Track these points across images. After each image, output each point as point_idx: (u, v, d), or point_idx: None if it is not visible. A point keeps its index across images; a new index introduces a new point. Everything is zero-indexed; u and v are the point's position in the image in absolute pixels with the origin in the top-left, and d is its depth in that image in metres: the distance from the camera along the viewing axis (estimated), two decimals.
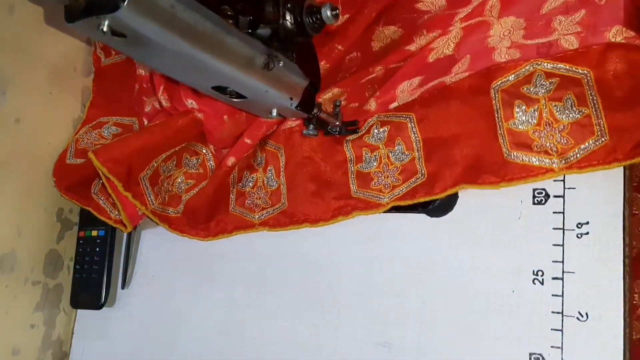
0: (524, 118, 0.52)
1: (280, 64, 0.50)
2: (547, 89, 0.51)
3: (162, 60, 0.47)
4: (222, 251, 0.71)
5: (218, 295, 0.70)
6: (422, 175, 0.57)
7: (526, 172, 0.52)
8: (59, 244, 0.80)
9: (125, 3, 0.36)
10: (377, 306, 0.60)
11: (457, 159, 0.55)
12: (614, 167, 0.48)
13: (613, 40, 0.48)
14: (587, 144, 0.49)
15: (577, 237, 0.51)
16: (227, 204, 0.69)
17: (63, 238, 0.80)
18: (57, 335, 0.80)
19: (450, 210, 0.57)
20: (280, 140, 0.67)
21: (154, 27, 0.39)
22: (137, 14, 0.37)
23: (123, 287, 0.77)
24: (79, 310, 0.82)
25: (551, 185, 0.53)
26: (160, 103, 0.69)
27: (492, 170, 0.53)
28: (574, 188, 0.51)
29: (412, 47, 0.59)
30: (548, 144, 0.51)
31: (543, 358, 0.50)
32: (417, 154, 0.58)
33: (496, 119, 0.53)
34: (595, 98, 0.49)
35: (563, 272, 0.51)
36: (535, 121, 0.51)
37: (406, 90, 0.58)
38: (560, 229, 0.51)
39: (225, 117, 0.64)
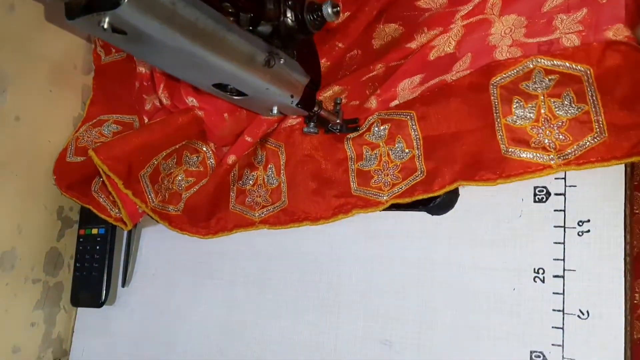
0: (522, 114, 0.52)
1: (281, 62, 0.50)
2: (546, 85, 0.51)
3: (162, 57, 0.47)
4: (222, 249, 0.71)
5: (218, 294, 0.70)
6: (421, 173, 0.57)
7: (523, 169, 0.52)
8: (59, 242, 0.80)
9: (126, 0, 0.36)
10: (377, 305, 0.60)
11: (457, 157, 0.55)
12: (613, 164, 0.48)
13: (614, 38, 0.48)
14: (585, 141, 0.49)
15: (578, 235, 0.51)
16: (228, 201, 0.69)
17: (63, 236, 0.80)
18: (58, 334, 0.80)
19: (451, 209, 0.57)
20: (280, 138, 0.67)
21: (155, 24, 0.39)
22: (138, 10, 0.37)
23: (123, 285, 0.77)
24: (79, 309, 0.82)
25: (552, 183, 0.53)
26: (160, 101, 0.68)
27: (490, 166, 0.53)
28: (575, 186, 0.51)
29: (413, 45, 0.59)
30: (546, 141, 0.51)
31: (544, 356, 0.50)
32: (417, 151, 0.58)
33: (494, 114, 0.53)
34: (594, 95, 0.49)
35: (564, 270, 0.51)
36: (533, 117, 0.51)
37: (407, 88, 0.58)
38: (561, 226, 0.51)
39: (225, 114, 0.64)
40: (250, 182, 0.68)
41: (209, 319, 0.70)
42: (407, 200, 0.57)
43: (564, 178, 0.52)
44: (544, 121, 0.51)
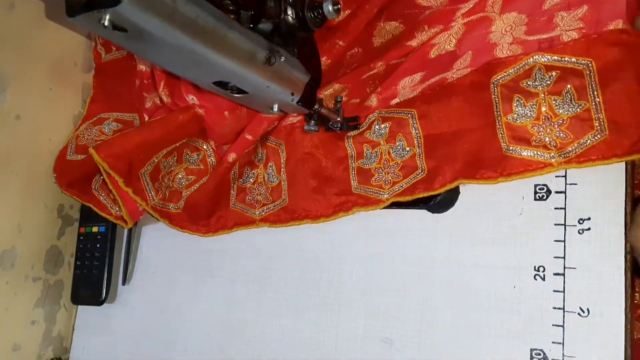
0: (522, 112, 0.52)
1: (282, 59, 0.50)
2: (547, 82, 0.51)
3: (163, 55, 0.47)
4: (222, 247, 0.71)
5: (219, 292, 0.70)
6: (422, 171, 0.57)
7: (524, 167, 0.52)
8: (60, 240, 0.80)
9: None
10: (378, 303, 0.60)
11: (457, 155, 0.55)
12: (613, 162, 0.48)
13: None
14: (586, 139, 0.49)
15: (579, 233, 0.51)
16: (228, 200, 0.69)
17: (64, 234, 0.80)
18: (58, 332, 0.80)
19: (452, 207, 0.57)
20: (281, 136, 0.67)
21: (155, 21, 0.39)
22: (138, 7, 0.37)
23: (124, 283, 0.77)
24: (79, 307, 0.82)
25: (553, 181, 0.52)
26: (161, 99, 0.68)
27: (491, 165, 0.53)
28: (576, 184, 0.51)
29: (414, 43, 0.59)
30: (547, 139, 0.51)
31: (544, 354, 0.50)
32: (417, 150, 0.58)
33: (495, 113, 0.53)
34: (596, 91, 0.48)
35: (564, 268, 0.51)
36: (534, 115, 0.51)
37: (407, 86, 0.58)
38: (562, 224, 0.51)
39: (226, 112, 0.64)
40: (251, 180, 0.68)
41: (209, 317, 0.70)
42: (408, 198, 0.57)
43: (565, 176, 0.52)
44: (544, 119, 0.51)
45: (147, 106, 0.74)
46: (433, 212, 0.58)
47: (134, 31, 0.40)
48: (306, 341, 0.63)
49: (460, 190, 0.57)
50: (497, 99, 0.53)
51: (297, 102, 0.56)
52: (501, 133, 0.53)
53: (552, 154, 0.50)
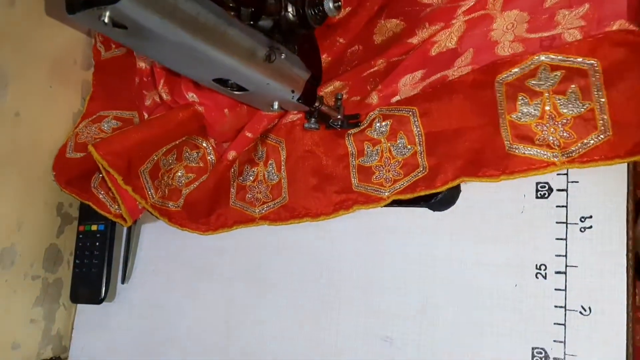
0: (527, 111, 0.52)
1: (282, 56, 0.50)
2: (552, 82, 0.50)
3: (163, 52, 0.47)
4: (222, 245, 0.71)
5: (218, 290, 0.70)
6: (423, 169, 0.57)
7: (527, 165, 0.52)
8: (59, 238, 0.80)
9: None
10: (378, 301, 0.60)
11: (459, 153, 0.55)
12: (616, 163, 0.48)
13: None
14: (589, 139, 0.49)
15: (581, 231, 0.50)
16: (228, 198, 0.69)
17: (63, 232, 0.80)
18: (57, 330, 0.80)
19: (453, 205, 0.57)
20: (281, 134, 0.66)
21: (155, 18, 0.39)
22: (138, 4, 0.37)
23: (123, 281, 0.77)
24: (78, 305, 0.82)
25: (554, 179, 0.52)
26: (160, 96, 0.68)
27: (494, 163, 0.53)
28: (577, 182, 0.51)
29: (414, 40, 0.59)
30: (550, 138, 0.51)
31: (545, 352, 0.50)
32: (419, 147, 0.57)
33: (499, 111, 0.53)
34: (600, 91, 0.48)
35: (566, 266, 0.51)
36: (538, 114, 0.51)
37: (408, 83, 0.58)
38: (564, 222, 0.51)
39: (226, 110, 0.64)
40: (251, 178, 0.68)
41: (208, 315, 0.70)
42: (409, 196, 0.57)
43: (566, 174, 0.52)
44: (548, 118, 0.51)
45: (146, 104, 0.73)
46: (434, 210, 0.58)
47: (134, 28, 0.40)
48: (306, 339, 0.63)
49: (462, 188, 0.57)
50: (501, 98, 0.53)
51: (298, 100, 0.56)
52: (505, 131, 0.52)
53: (555, 153, 0.50)
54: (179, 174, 0.70)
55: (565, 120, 0.50)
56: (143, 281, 0.76)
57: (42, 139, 0.76)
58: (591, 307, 0.49)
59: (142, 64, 0.72)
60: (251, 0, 0.47)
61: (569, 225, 0.51)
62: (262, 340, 0.66)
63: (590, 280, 0.49)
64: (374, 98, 0.60)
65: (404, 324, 0.58)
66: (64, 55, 0.80)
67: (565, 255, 0.51)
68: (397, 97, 0.59)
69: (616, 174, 0.49)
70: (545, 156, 0.51)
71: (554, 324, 0.50)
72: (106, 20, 0.37)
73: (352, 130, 0.61)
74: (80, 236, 0.78)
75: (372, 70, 0.62)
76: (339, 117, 0.59)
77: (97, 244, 0.76)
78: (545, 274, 0.51)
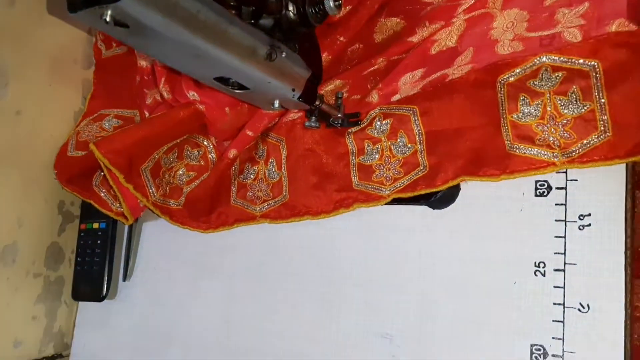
0: (528, 111, 0.52)
1: (283, 55, 0.50)
2: (553, 83, 0.51)
3: (164, 50, 0.47)
4: (223, 243, 0.71)
5: (219, 287, 0.70)
6: (423, 167, 0.57)
7: (527, 165, 0.52)
8: (60, 236, 0.80)
9: None
10: (378, 298, 0.60)
11: (460, 152, 0.55)
12: (615, 163, 0.48)
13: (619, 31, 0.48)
14: (589, 140, 0.49)
15: (579, 228, 0.51)
16: (229, 196, 0.70)
17: (64, 230, 0.80)
18: (59, 328, 0.80)
19: (452, 203, 0.57)
20: (282, 133, 0.67)
21: (157, 17, 0.39)
22: (140, 3, 0.37)
23: (124, 279, 0.77)
24: (80, 303, 0.82)
25: (553, 177, 0.53)
26: (161, 95, 0.68)
27: (494, 162, 0.53)
28: (576, 180, 0.51)
29: (415, 39, 0.59)
30: (551, 138, 0.51)
31: (544, 349, 0.51)
32: (419, 146, 0.58)
33: (500, 111, 0.53)
34: (601, 92, 0.48)
35: (565, 263, 0.51)
36: (539, 114, 0.51)
37: (408, 82, 0.58)
38: (562, 220, 0.51)
39: (227, 108, 0.64)
40: (252, 176, 0.68)
41: (209, 313, 0.70)
42: (409, 194, 0.58)
43: (565, 172, 0.52)
44: (549, 119, 0.51)
45: (147, 102, 0.73)
46: (434, 208, 0.58)
47: (135, 27, 0.40)
48: (306, 337, 0.63)
49: (461, 186, 0.57)
50: (502, 98, 0.53)
51: (298, 98, 0.56)
52: (505, 131, 0.53)
53: (556, 154, 0.51)
54: (180, 172, 0.70)
55: (565, 121, 0.50)
56: (144, 279, 0.77)
57: (43, 138, 0.76)
58: (590, 305, 0.49)
59: (143, 63, 0.73)
60: None
61: (567, 223, 0.51)
62: (263, 337, 0.66)
63: (589, 278, 0.50)
64: (374, 97, 0.60)
65: (404, 321, 0.58)
66: (64, 54, 0.80)
67: (564, 253, 0.51)
68: (398, 96, 0.59)
69: (615, 173, 0.50)
70: (545, 156, 0.51)
71: (553, 321, 0.50)
72: (108, 18, 0.37)
73: (353, 129, 0.61)
74: (82, 234, 0.78)
75: (372, 68, 0.62)
76: (339, 115, 0.59)
77: (99, 242, 0.77)
78: (544, 271, 0.52)
